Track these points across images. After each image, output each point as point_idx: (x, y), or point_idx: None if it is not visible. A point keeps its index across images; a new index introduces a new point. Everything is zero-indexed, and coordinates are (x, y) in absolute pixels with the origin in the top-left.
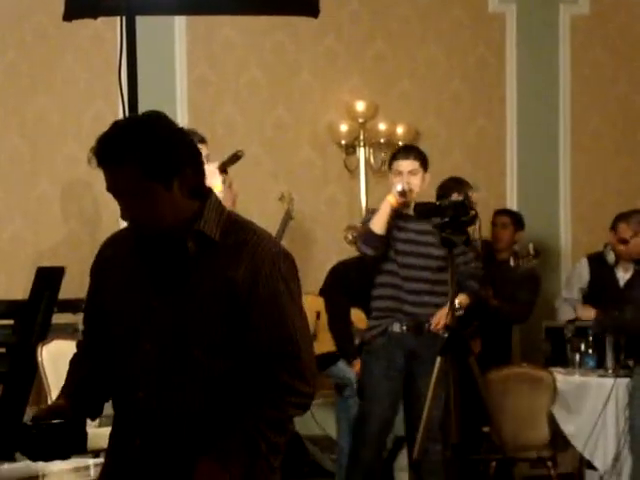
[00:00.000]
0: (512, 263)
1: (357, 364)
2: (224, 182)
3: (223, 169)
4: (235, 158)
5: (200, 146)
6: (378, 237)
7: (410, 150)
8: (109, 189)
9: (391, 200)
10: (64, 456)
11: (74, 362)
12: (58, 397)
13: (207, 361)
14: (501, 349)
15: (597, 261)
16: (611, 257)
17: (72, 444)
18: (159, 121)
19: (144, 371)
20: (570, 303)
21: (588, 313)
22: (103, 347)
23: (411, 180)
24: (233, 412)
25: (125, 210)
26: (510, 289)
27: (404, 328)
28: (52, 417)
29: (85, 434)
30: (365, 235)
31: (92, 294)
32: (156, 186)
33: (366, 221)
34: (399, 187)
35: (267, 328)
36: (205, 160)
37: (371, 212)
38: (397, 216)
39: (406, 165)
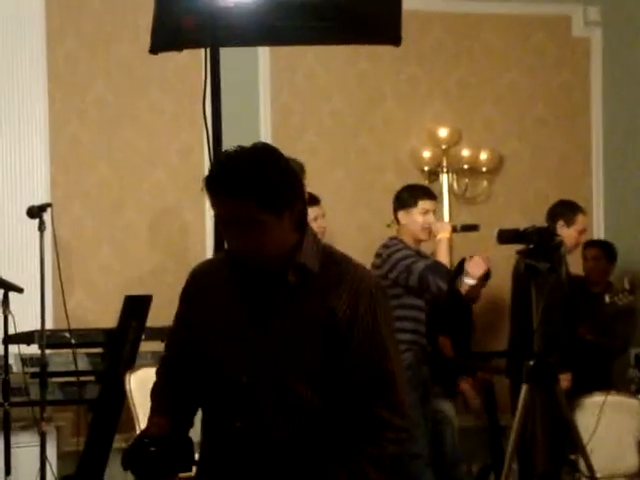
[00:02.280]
0: (607, 299)
1: None
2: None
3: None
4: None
5: (314, 208)
6: (450, 271)
7: (432, 191)
8: (220, 218)
9: (448, 236)
10: (172, 473)
11: (158, 387)
12: (152, 417)
13: (305, 392)
14: (600, 383)
15: None
16: None
17: (179, 461)
18: (273, 154)
19: (241, 402)
20: None
21: None
22: (190, 372)
23: (432, 218)
24: (332, 447)
25: (234, 240)
26: (607, 324)
27: (421, 359)
28: (157, 433)
29: (192, 451)
30: (440, 270)
31: (182, 320)
32: (269, 218)
33: (400, 261)
34: (449, 225)
35: (367, 359)
36: (314, 221)
37: (405, 258)
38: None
39: (433, 205)
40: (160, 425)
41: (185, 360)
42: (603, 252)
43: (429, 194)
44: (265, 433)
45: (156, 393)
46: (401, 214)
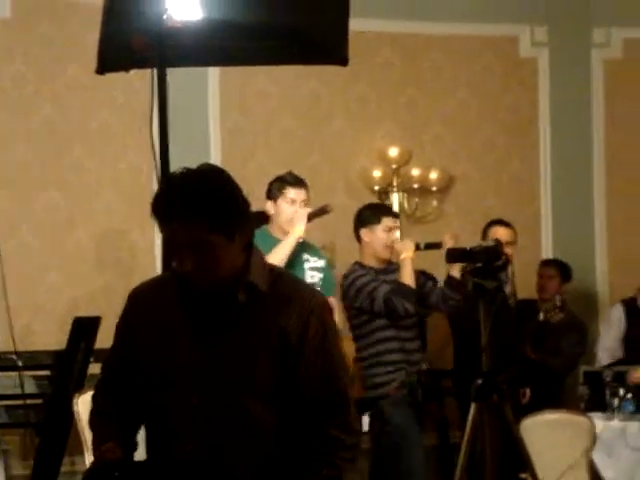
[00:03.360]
0: (542, 317)
1: None
2: None
3: (309, 220)
4: (322, 212)
5: (299, 190)
6: (415, 292)
7: (394, 210)
8: (170, 242)
9: (412, 255)
10: None
11: (100, 412)
12: (101, 443)
13: (259, 412)
14: (552, 401)
15: (632, 305)
16: None
17: None
18: (221, 175)
19: (192, 424)
20: (608, 350)
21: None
22: (131, 394)
23: (396, 237)
24: (286, 469)
25: (184, 263)
26: (550, 343)
27: (414, 379)
28: (115, 459)
29: (147, 474)
30: (404, 292)
31: (123, 343)
32: (221, 240)
33: (362, 288)
34: (412, 243)
35: (318, 379)
36: (303, 204)
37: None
38: (382, 271)
39: (395, 222)
40: (114, 450)
41: (126, 383)
42: (558, 271)
43: (392, 212)
44: (218, 455)
45: (99, 419)
46: (364, 232)
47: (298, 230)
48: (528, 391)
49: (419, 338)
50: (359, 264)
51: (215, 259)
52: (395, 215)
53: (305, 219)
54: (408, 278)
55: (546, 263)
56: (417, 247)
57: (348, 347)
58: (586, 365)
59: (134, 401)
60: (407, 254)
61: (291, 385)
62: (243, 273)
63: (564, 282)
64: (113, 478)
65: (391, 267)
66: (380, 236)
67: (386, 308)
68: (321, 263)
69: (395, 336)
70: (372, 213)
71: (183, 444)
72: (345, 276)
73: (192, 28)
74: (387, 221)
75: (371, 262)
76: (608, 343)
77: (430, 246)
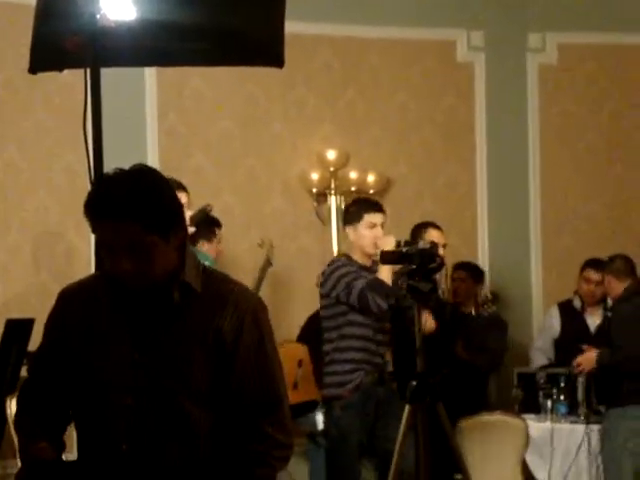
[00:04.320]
0: (474, 313)
1: None
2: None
3: (192, 224)
4: (202, 213)
5: (180, 194)
6: (391, 289)
7: (378, 203)
8: (103, 244)
9: None
10: None
11: (27, 413)
12: (32, 443)
13: (194, 411)
14: (477, 399)
15: (567, 308)
16: (577, 303)
17: None
18: (153, 175)
19: (127, 424)
20: (543, 352)
21: (589, 359)
22: (57, 395)
23: (380, 232)
24: (220, 468)
25: (118, 264)
26: (478, 339)
27: (375, 379)
28: (48, 458)
29: (78, 474)
30: (380, 288)
31: (51, 344)
32: (155, 240)
33: (340, 279)
34: (393, 240)
35: (252, 378)
36: (185, 208)
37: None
38: (368, 268)
39: (380, 218)
40: (46, 450)
41: (54, 383)
42: (469, 274)
43: (375, 207)
44: (153, 455)
45: (26, 419)
46: (349, 229)
47: None
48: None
49: (387, 344)
50: (346, 256)
51: (150, 260)
52: (379, 210)
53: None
54: (386, 274)
55: (457, 267)
56: (398, 244)
57: (303, 352)
58: (519, 367)
59: (62, 401)
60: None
61: (226, 384)
62: (177, 273)
63: (476, 284)
64: (50, 478)
65: (376, 267)
66: (363, 233)
67: (359, 302)
68: None
69: (363, 335)
70: (355, 210)
71: (117, 444)
72: (328, 265)
73: (126, 28)
74: (369, 217)
75: (359, 258)
76: (542, 344)
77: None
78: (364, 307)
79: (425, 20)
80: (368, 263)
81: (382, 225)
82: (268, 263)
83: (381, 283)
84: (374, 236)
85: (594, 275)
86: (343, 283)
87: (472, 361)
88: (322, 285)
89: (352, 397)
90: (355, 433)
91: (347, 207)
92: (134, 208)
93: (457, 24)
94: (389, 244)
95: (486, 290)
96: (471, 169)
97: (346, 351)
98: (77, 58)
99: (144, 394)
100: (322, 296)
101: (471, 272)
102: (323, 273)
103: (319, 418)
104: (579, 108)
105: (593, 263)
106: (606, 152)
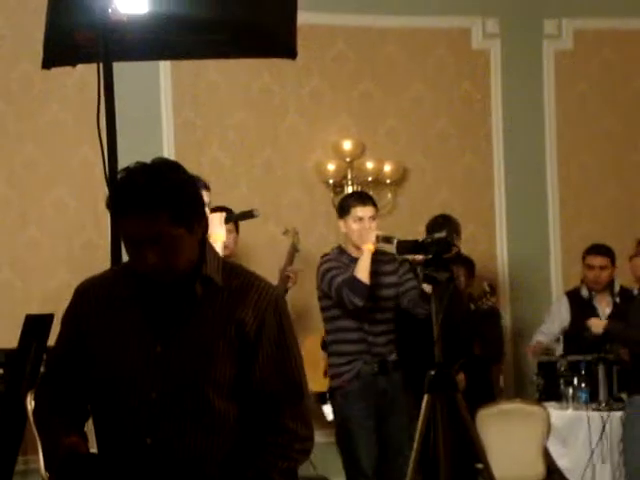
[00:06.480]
0: (472, 307)
1: None
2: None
3: (233, 222)
4: (248, 216)
5: (204, 193)
6: (367, 286)
7: (366, 196)
8: (130, 238)
9: (371, 248)
10: None
11: (51, 409)
12: (63, 438)
13: (218, 403)
14: (483, 388)
15: (576, 297)
16: (585, 292)
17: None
18: (176, 167)
19: (150, 418)
20: (547, 336)
21: (597, 327)
22: (77, 390)
23: (372, 225)
24: (243, 461)
25: (144, 258)
26: (476, 332)
27: (375, 369)
28: (84, 452)
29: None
30: (354, 285)
31: (71, 337)
32: (182, 231)
33: (325, 274)
34: (373, 235)
35: (274, 370)
36: (207, 207)
37: (329, 261)
38: (352, 261)
39: (367, 211)
40: (80, 444)
41: (73, 378)
42: (463, 269)
43: (362, 200)
44: (178, 448)
45: (47, 415)
46: (341, 223)
47: (220, 236)
48: (462, 376)
49: (390, 333)
50: (339, 248)
51: (176, 252)
52: (365, 203)
53: (222, 223)
54: (362, 272)
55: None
56: (377, 239)
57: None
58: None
59: (81, 396)
60: (366, 247)
61: (248, 377)
62: (199, 266)
63: (469, 279)
64: (90, 470)
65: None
66: (351, 227)
67: (337, 297)
68: None
69: (357, 327)
70: (344, 204)
71: (141, 438)
72: (321, 257)
73: (138, 22)
74: (356, 211)
75: (351, 250)
76: (549, 329)
77: (385, 240)
78: (341, 303)
79: (440, 8)
80: (360, 255)
81: (373, 218)
82: (295, 249)
83: (357, 281)
84: (360, 229)
85: (596, 260)
86: (327, 278)
87: (476, 353)
88: (316, 278)
89: (351, 386)
90: (356, 421)
91: (340, 201)
92: (162, 199)
93: (472, 11)
94: (367, 240)
95: (485, 283)
96: (488, 157)
97: (342, 343)
98: (90, 53)
99: (168, 387)
100: (317, 289)
101: (465, 267)
102: (317, 267)
103: (327, 409)
104: (595, 94)
105: (594, 249)
106: (624, 138)
